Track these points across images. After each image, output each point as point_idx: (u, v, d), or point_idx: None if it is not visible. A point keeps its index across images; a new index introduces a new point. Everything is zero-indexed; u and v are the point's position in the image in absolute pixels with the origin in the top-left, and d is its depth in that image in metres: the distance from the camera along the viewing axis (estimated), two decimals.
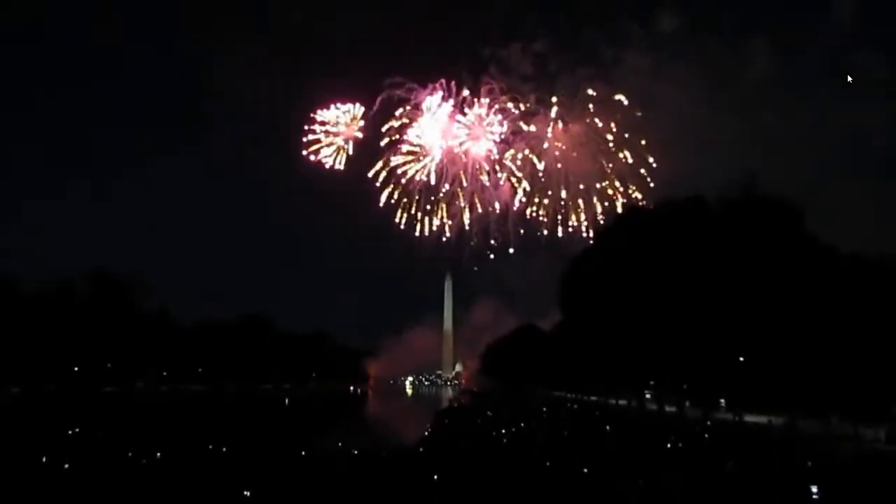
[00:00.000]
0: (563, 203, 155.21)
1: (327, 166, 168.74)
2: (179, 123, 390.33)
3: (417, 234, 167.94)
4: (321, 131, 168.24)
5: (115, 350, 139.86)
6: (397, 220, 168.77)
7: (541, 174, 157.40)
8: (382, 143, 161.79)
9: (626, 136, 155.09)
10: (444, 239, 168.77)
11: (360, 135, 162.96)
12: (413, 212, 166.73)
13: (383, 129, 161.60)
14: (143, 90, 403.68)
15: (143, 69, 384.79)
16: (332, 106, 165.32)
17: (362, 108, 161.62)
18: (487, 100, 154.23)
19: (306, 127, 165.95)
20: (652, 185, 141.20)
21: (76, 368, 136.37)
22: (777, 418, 66.33)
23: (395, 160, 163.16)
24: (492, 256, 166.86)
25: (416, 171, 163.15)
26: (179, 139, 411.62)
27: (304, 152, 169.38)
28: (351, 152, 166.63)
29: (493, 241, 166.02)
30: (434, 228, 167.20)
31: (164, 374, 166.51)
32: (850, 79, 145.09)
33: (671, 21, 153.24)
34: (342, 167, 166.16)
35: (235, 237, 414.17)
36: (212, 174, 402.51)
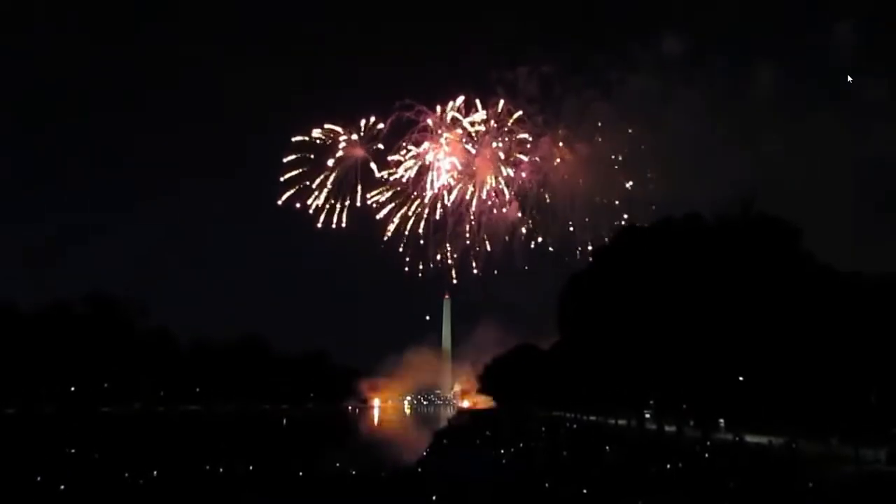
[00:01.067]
0: (569, 224, 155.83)
1: (320, 222, 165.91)
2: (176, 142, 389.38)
3: (421, 263, 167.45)
4: (309, 160, 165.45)
5: (112, 371, 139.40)
6: (400, 249, 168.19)
7: (546, 195, 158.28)
8: (383, 175, 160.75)
9: (631, 157, 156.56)
10: (446, 261, 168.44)
11: (366, 154, 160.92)
12: (417, 233, 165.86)
13: (390, 158, 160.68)
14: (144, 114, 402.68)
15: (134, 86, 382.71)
16: (327, 125, 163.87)
17: (381, 126, 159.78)
18: (495, 122, 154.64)
19: (286, 159, 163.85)
20: (654, 207, 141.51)
21: (73, 389, 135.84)
22: (777, 438, 66.01)
23: (398, 190, 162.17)
24: (495, 272, 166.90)
25: (420, 201, 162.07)
26: (176, 159, 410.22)
27: (281, 200, 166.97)
28: (359, 198, 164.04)
29: (494, 261, 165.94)
30: (437, 254, 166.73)
31: (162, 394, 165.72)
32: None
33: (677, 45, 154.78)
34: (342, 217, 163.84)
35: (234, 257, 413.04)
36: (211, 196, 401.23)
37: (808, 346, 60.82)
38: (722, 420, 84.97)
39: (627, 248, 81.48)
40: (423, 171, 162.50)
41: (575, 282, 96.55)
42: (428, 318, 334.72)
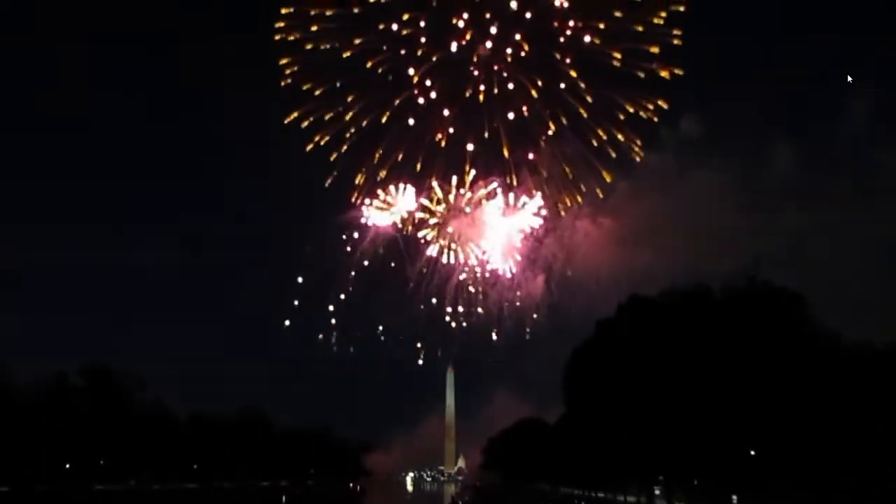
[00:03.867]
0: (589, 296, 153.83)
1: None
2: (174, 209, 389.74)
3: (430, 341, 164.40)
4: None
5: (108, 446, 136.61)
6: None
7: (569, 269, 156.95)
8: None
9: (651, 232, 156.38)
10: (455, 335, 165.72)
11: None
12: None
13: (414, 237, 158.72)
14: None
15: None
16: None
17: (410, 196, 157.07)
18: (517, 200, 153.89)
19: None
20: (672, 279, 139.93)
21: (68, 465, 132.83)
22: None
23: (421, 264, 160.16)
24: (506, 343, 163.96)
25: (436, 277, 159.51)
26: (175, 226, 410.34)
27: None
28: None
29: (508, 334, 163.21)
30: (447, 332, 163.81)
31: (159, 471, 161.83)
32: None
33: (695, 126, 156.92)
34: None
35: (235, 326, 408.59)
36: (208, 264, 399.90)
37: (818, 417, 59.87)
38: (735, 497, 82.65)
39: (633, 320, 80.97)
40: (449, 272, 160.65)
41: (580, 353, 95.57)
42: (433, 389, 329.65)
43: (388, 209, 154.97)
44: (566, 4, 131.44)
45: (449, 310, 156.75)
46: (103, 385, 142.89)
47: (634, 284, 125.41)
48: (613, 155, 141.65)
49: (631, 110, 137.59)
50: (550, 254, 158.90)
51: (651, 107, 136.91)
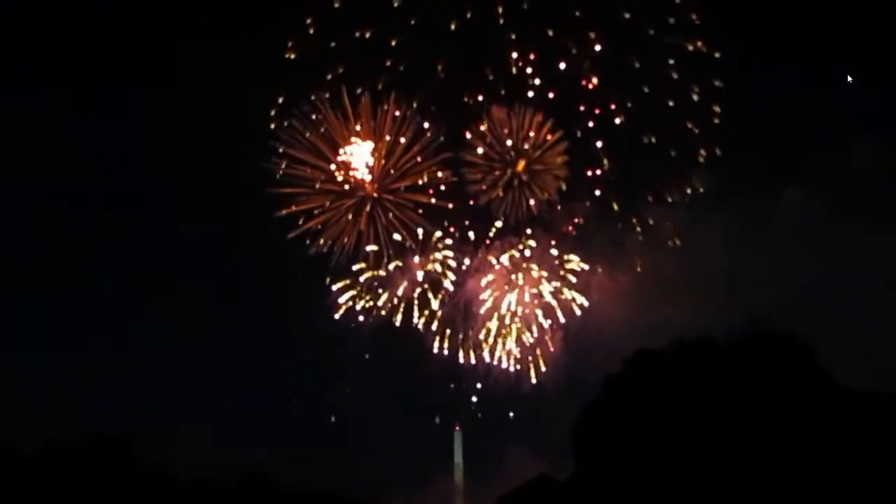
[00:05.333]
0: (605, 351, 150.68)
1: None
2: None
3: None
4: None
5: None
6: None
7: (585, 324, 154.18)
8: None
9: (664, 285, 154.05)
10: (466, 393, 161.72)
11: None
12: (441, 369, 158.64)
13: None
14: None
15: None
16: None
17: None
18: (536, 260, 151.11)
19: None
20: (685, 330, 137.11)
21: None
22: None
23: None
24: (521, 396, 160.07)
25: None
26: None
27: None
28: None
29: (524, 391, 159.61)
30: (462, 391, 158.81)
31: None
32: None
33: (709, 178, 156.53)
34: None
35: (238, 381, 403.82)
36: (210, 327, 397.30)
37: (837, 472, 58.96)
38: None
39: (638, 375, 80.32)
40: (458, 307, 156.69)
41: (588, 410, 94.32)
42: (442, 450, 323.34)
43: (392, 297, 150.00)
44: (595, 81, 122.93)
45: (461, 376, 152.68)
46: (106, 451, 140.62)
47: (651, 336, 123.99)
48: (641, 239, 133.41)
49: (669, 199, 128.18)
50: (568, 311, 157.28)
51: (689, 190, 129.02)
